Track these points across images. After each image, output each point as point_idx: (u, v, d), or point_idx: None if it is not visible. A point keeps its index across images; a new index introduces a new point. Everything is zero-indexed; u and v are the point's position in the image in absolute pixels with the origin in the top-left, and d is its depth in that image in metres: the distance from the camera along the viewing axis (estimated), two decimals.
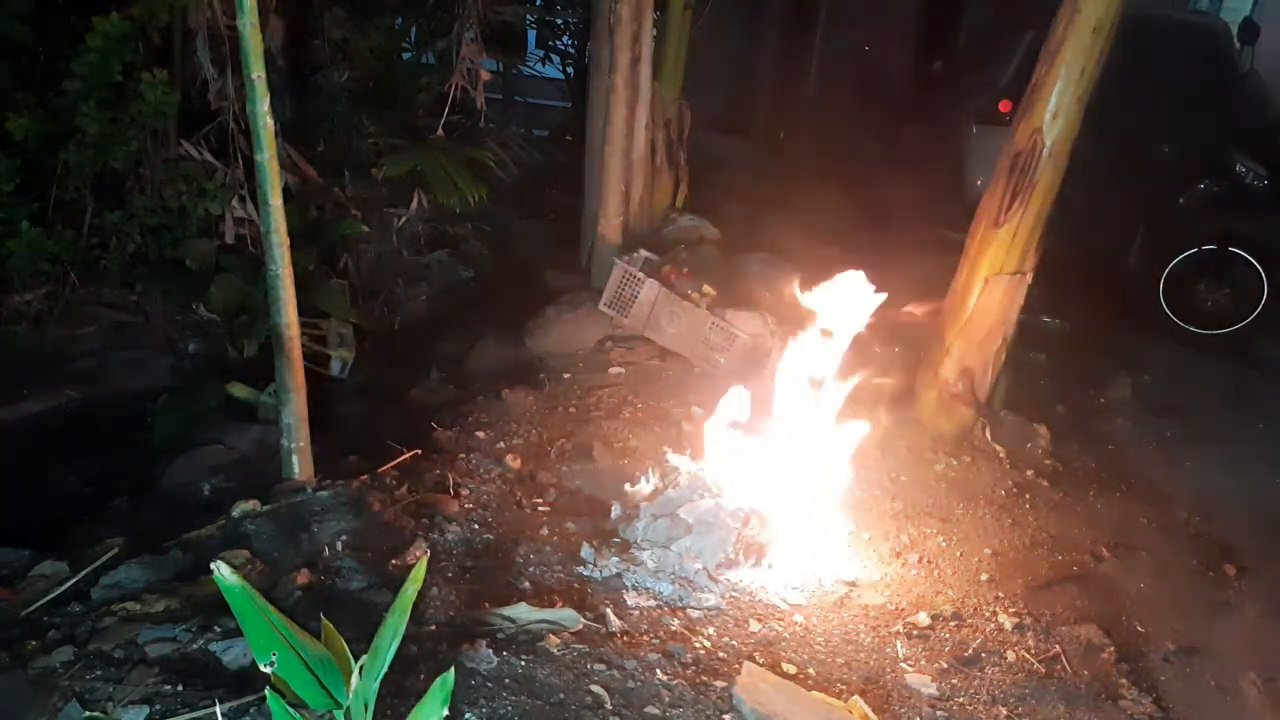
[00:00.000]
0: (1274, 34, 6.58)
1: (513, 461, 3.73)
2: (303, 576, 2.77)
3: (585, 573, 3.02)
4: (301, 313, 3.28)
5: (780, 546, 3.20)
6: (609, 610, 2.80)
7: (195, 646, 2.45)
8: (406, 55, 6.69)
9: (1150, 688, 2.90)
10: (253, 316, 4.63)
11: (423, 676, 2.34)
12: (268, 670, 1.78)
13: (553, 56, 8.51)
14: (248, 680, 2.30)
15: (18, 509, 3.52)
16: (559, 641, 2.58)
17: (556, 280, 5.65)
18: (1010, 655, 2.91)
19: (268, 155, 2.99)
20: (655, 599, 2.94)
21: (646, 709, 2.41)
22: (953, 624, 3.03)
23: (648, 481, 3.44)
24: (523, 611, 2.69)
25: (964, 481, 3.94)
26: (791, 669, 2.70)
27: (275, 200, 3.04)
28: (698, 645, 2.73)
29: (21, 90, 4.67)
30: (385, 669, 1.90)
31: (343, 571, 2.85)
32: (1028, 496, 3.92)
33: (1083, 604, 3.26)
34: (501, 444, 3.90)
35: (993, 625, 3.06)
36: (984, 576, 3.33)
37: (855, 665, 2.78)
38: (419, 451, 3.70)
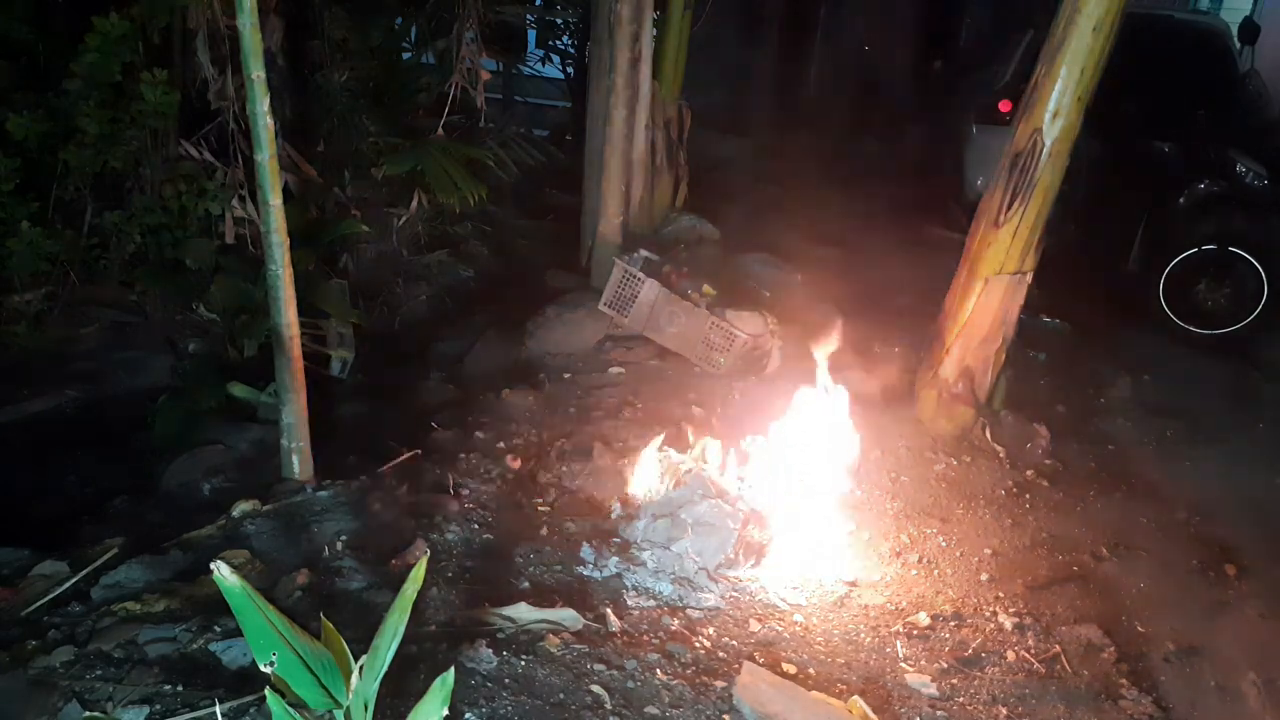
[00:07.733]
0: (1274, 34, 6.60)
1: (513, 461, 3.73)
2: (303, 576, 2.77)
3: (585, 573, 3.02)
4: (301, 313, 3.28)
5: (780, 546, 3.20)
6: (609, 610, 2.80)
7: (195, 646, 2.45)
8: (406, 55, 6.68)
9: (1150, 688, 2.89)
10: (253, 316, 4.63)
11: (423, 676, 2.33)
12: (268, 670, 1.78)
13: (553, 56, 8.50)
14: (248, 680, 2.30)
15: (18, 509, 3.52)
16: (559, 641, 2.58)
17: (556, 280, 5.65)
18: (1010, 655, 2.90)
19: (268, 155, 2.99)
20: (655, 599, 2.93)
21: (646, 709, 2.41)
22: (953, 624, 3.03)
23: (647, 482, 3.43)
24: (523, 611, 2.68)
25: (964, 481, 3.94)
26: (791, 669, 2.70)
27: (275, 200, 3.04)
28: (698, 645, 2.73)
29: (21, 90, 4.67)
30: (385, 669, 1.90)
31: (343, 571, 2.85)
32: (1028, 496, 3.92)
33: (1083, 604, 3.25)
34: (501, 444, 3.90)
35: (993, 625, 3.05)
36: (984, 576, 3.33)
37: (855, 665, 2.78)
38: (419, 451, 3.71)
